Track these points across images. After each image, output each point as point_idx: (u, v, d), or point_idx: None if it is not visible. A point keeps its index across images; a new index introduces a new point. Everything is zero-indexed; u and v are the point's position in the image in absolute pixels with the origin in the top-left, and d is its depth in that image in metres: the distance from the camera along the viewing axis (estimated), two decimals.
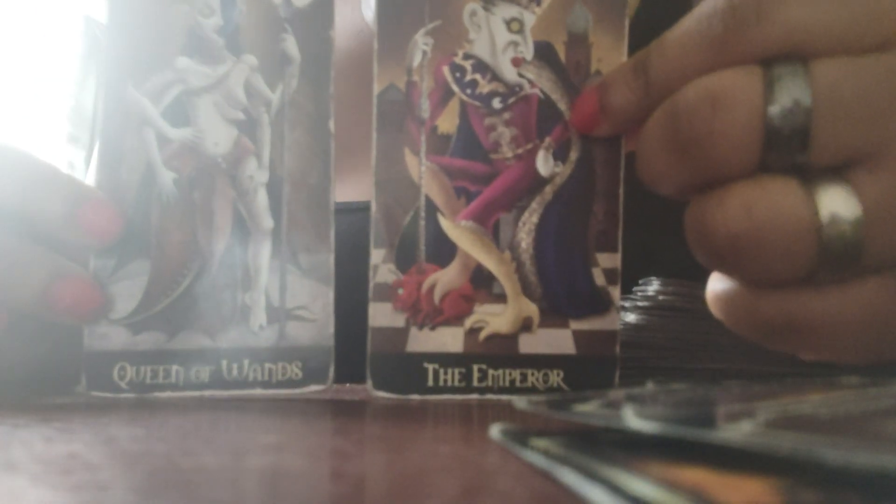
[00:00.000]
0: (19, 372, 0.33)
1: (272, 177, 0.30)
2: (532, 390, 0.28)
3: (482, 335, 0.28)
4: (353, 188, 0.51)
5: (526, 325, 0.28)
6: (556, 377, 0.28)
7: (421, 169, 0.29)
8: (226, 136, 0.30)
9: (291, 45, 0.30)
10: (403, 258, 0.29)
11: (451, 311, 0.29)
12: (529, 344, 0.28)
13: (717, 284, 0.25)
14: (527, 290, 0.28)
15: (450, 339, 0.28)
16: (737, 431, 0.13)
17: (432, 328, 0.28)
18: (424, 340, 0.28)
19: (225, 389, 0.30)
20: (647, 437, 0.15)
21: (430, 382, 0.28)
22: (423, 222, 0.29)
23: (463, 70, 0.29)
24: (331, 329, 0.29)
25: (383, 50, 0.29)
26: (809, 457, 0.12)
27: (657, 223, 0.33)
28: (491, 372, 0.28)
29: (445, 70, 0.29)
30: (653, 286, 0.34)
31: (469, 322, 0.28)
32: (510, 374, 0.28)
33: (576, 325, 0.28)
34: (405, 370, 0.28)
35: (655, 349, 0.33)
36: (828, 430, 0.14)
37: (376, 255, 0.29)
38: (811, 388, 0.20)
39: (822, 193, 0.22)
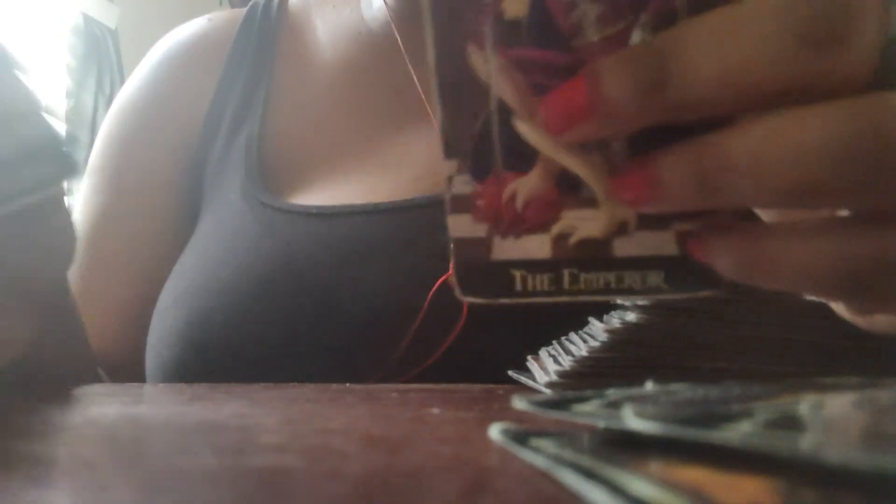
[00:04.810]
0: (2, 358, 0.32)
1: None
2: (629, 292, 0.26)
3: (572, 240, 0.25)
4: (363, 188, 0.51)
5: (621, 230, 0.25)
6: (656, 278, 0.25)
7: (489, 66, 0.24)
8: None
9: None
10: (479, 167, 0.25)
11: (535, 219, 0.26)
12: (625, 247, 0.25)
13: (792, 233, 0.22)
14: None
15: (536, 247, 0.25)
16: (737, 431, 0.13)
17: (517, 237, 0.26)
18: (509, 249, 0.26)
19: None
20: (647, 437, 0.15)
21: (518, 287, 0.26)
22: (496, 127, 0.25)
23: None
24: None
25: None
26: (809, 457, 0.12)
27: None
28: (583, 276, 0.26)
29: None
30: None
31: (556, 228, 0.25)
32: (604, 277, 0.26)
33: (679, 226, 0.25)
34: (491, 277, 0.26)
35: (656, 347, 0.33)
36: (828, 430, 0.14)
37: (449, 167, 0.25)
38: (810, 388, 0.20)
39: None
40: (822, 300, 0.23)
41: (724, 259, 0.23)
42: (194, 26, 0.63)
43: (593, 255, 0.26)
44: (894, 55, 0.21)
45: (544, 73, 0.24)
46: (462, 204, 0.26)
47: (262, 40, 0.60)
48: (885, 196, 0.21)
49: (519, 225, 0.26)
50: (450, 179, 0.26)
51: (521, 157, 0.25)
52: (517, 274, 0.26)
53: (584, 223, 0.26)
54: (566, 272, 0.26)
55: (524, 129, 0.25)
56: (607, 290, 0.26)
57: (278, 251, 0.47)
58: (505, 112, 0.25)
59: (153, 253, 0.56)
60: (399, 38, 0.56)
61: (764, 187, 0.21)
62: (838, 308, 0.27)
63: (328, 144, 0.55)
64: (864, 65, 0.21)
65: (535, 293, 0.26)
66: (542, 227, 0.26)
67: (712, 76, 0.21)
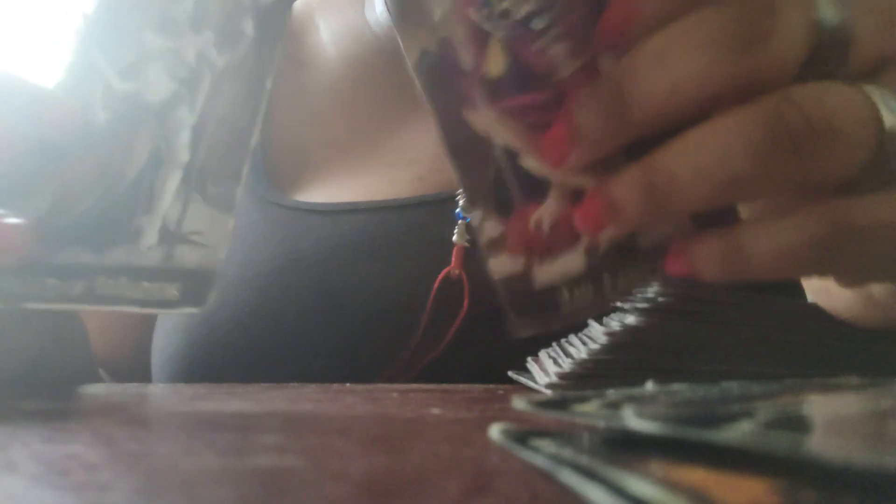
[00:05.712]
0: (11, 364, 0.33)
1: (201, 119, 0.31)
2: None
3: (602, 248, 0.28)
4: (367, 186, 0.51)
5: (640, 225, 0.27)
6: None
7: (487, 121, 0.27)
8: (166, 88, 0.31)
9: (248, 24, 0.31)
10: (502, 208, 0.28)
11: (564, 238, 0.28)
12: (647, 238, 0.28)
13: (755, 224, 0.25)
14: None
15: (572, 263, 0.28)
16: (737, 431, 0.13)
17: (552, 259, 0.28)
18: (549, 272, 0.28)
19: (97, 304, 0.30)
20: (647, 437, 0.15)
21: (566, 307, 0.28)
22: (507, 169, 0.28)
23: (489, 4, 0.26)
24: (221, 255, 0.30)
25: (404, 19, 0.27)
26: (809, 457, 0.12)
27: None
28: (621, 275, 0.28)
29: (471, 12, 0.26)
30: (652, 288, 0.34)
31: (585, 240, 0.28)
32: (639, 271, 0.28)
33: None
34: (540, 304, 0.28)
35: (654, 351, 0.33)
36: (827, 430, 0.14)
37: (475, 217, 0.28)
38: (811, 388, 0.20)
39: (875, 98, 0.23)
40: (812, 277, 0.25)
41: (705, 264, 0.25)
42: None
43: (623, 253, 0.28)
44: (830, 42, 0.23)
45: (535, 113, 0.27)
46: (496, 246, 0.28)
47: None
48: (810, 174, 0.23)
49: (551, 248, 0.28)
50: (480, 228, 0.28)
51: (536, 188, 0.28)
52: (563, 291, 0.28)
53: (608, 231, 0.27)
54: (605, 276, 0.28)
55: (531, 163, 0.28)
56: (642, 281, 0.28)
57: (283, 248, 0.47)
58: (511, 155, 0.27)
59: None
60: (399, 41, 0.56)
61: (704, 189, 0.24)
62: (839, 300, 0.28)
63: (331, 143, 0.55)
64: (790, 57, 0.23)
65: (582, 309, 0.28)
66: (571, 243, 0.28)
67: (660, 93, 0.24)
